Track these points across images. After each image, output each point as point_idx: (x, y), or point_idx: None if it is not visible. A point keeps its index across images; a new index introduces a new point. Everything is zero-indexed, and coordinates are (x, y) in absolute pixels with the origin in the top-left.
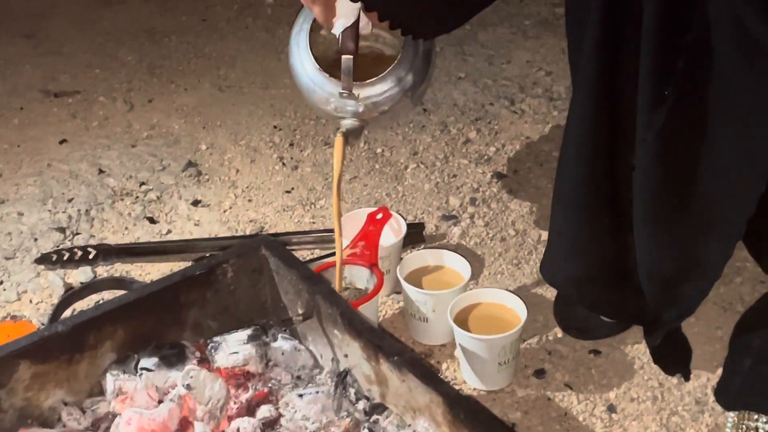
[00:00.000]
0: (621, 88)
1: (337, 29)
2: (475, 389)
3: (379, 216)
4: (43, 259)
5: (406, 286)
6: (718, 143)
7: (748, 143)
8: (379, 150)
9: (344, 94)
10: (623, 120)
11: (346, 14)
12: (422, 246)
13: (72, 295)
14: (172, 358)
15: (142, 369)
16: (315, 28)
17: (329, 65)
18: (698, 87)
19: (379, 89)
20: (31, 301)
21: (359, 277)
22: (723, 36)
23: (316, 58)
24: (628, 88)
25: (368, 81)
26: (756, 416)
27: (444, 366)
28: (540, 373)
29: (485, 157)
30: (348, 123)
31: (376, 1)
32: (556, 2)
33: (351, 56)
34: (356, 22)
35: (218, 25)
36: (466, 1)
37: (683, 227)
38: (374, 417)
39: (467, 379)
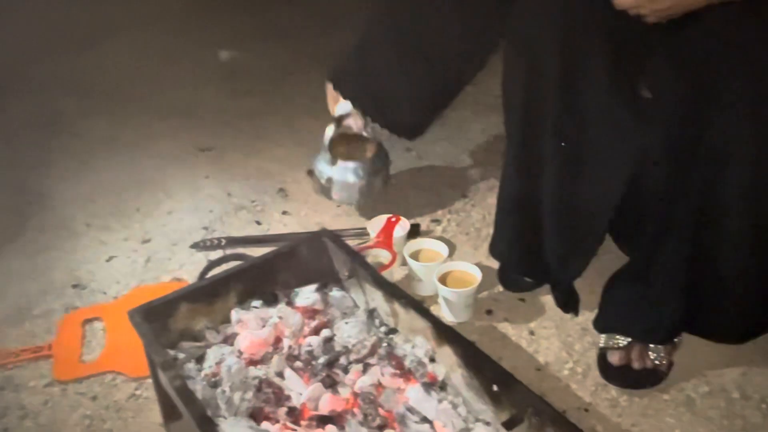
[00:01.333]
0: (535, 141)
1: (337, 112)
2: (450, 321)
3: (393, 219)
4: (195, 245)
5: (409, 260)
6: (590, 176)
7: (608, 175)
8: (393, 182)
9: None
10: (538, 158)
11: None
12: (418, 237)
13: (212, 264)
14: (271, 300)
15: (252, 307)
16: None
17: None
18: (580, 143)
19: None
20: (187, 270)
21: (382, 255)
22: (595, 113)
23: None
24: (539, 140)
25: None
26: (617, 336)
27: (432, 307)
28: (489, 312)
29: (456, 185)
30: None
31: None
32: (497, 94)
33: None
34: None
35: (298, 109)
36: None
37: (572, 227)
38: (390, 336)
39: (445, 315)
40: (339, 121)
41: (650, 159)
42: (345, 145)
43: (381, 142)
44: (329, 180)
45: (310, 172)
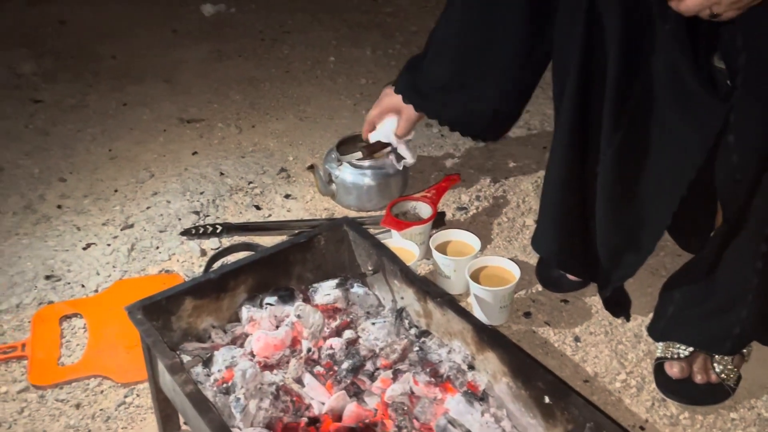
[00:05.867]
0: (590, 118)
1: (372, 138)
2: None
3: (452, 177)
4: (185, 232)
5: (435, 253)
6: (655, 158)
7: (675, 161)
8: (417, 166)
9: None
10: (591, 140)
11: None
12: (444, 227)
13: (218, 254)
14: (286, 297)
15: (266, 304)
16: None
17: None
18: (644, 118)
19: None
20: (177, 260)
21: (423, 210)
22: (663, 83)
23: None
24: (595, 117)
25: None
26: (677, 345)
27: None
28: (527, 314)
29: (485, 168)
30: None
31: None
32: None
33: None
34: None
35: (297, 75)
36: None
37: (628, 216)
38: (422, 339)
39: (477, 317)
40: (372, 151)
41: (726, 141)
42: (356, 145)
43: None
44: (333, 180)
45: (312, 168)
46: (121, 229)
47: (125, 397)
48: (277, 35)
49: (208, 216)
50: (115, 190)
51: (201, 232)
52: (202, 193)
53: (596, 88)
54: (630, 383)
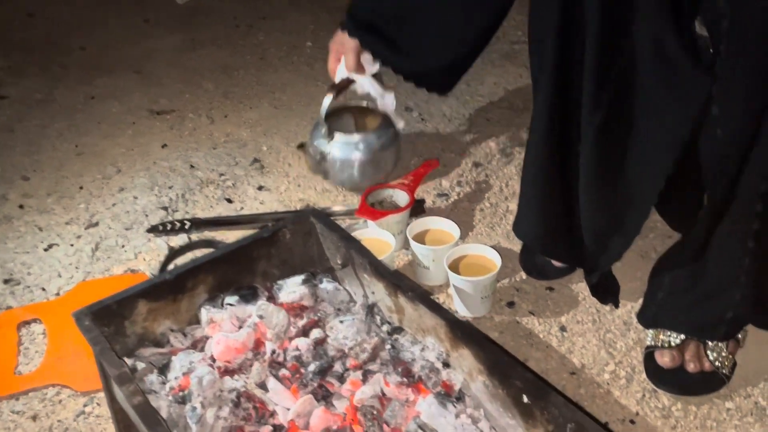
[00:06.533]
0: (570, 95)
1: (338, 77)
2: (464, 316)
3: (431, 163)
4: (153, 229)
5: (413, 243)
6: (639, 136)
7: (660, 137)
8: None
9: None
10: (571, 119)
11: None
12: (424, 215)
13: (176, 252)
14: (248, 296)
15: (226, 304)
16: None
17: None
18: (626, 94)
19: None
20: (144, 259)
21: (400, 197)
22: (646, 55)
23: None
24: (575, 94)
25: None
26: (667, 332)
27: (441, 300)
28: (511, 304)
29: (467, 151)
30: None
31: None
32: (514, 40)
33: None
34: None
35: (272, 62)
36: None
37: (613, 196)
38: (395, 336)
39: (458, 309)
40: (339, 88)
41: (713, 115)
42: (343, 117)
43: (388, 113)
44: (324, 157)
45: (302, 147)
46: (85, 228)
47: (84, 406)
48: (252, 21)
49: (176, 211)
50: (80, 188)
51: (169, 228)
52: (171, 188)
53: (576, 62)
54: (619, 374)
